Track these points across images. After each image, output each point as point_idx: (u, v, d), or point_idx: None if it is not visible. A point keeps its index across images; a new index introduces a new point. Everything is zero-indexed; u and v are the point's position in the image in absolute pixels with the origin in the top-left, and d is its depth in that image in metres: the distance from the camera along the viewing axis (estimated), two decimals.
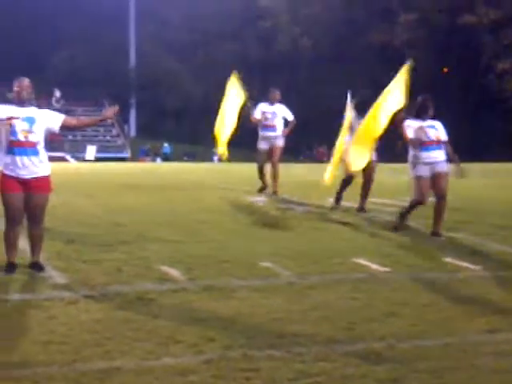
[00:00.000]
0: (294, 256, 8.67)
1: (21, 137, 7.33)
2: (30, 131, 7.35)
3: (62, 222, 10.85)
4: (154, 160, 45.36)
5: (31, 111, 7.48)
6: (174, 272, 7.73)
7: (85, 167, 29.34)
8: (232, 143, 15.14)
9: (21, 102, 7.46)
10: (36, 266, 7.55)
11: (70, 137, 44.73)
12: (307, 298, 6.90)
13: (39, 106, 7.75)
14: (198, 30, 52.20)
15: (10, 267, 7.39)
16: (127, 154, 46.18)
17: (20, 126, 7.33)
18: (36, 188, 7.40)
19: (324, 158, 33.70)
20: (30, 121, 7.38)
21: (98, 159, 39.64)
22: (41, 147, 7.46)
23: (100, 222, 10.91)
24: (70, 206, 12.29)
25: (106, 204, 13.02)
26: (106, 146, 45.85)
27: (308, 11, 52.61)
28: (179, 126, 52.75)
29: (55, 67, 50.34)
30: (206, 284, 7.25)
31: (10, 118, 7.33)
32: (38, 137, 7.41)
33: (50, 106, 47.21)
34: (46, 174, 7.52)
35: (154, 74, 53.40)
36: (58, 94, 49.33)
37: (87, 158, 40.61)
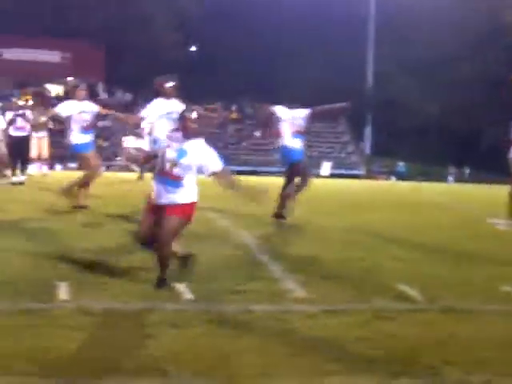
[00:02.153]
0: None
1: (167, 166, 7.32)
2: (176, 163, 7.31)
3: (303, 238, 11.10)
4: (388, 178, 45.15)
5: (189, 146, 7.35)
6: (411, 291, 7.63)
7: (320, 183, 29.60)
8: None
9: (186, 135, 7.39)
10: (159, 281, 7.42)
11: (308, 153, 45.53)
12: None
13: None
14: (436, 48, 51.34)
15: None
16: (361, 172, 46.29)
17: (169, 155, 7.33)
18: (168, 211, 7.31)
19: None
20: (181, 154, 7.31)
21: (332, 175, 40.04)
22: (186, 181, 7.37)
23: (338, 238, 11.02)
24: (311, 222, 12.50)
25: (344, 221, 13.11)
26: (341, 162, 46.17)
27: None
28: (414, 146, 52.10)
29: (292, 87, 51.36)
30: (445, 305, 7.07)
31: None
32: (183, 172, 7.34)
33: None
34: (183, 201, 7.39)
35: (390, 93, 53.18)
36: None
37: (322, 174, 41.04)
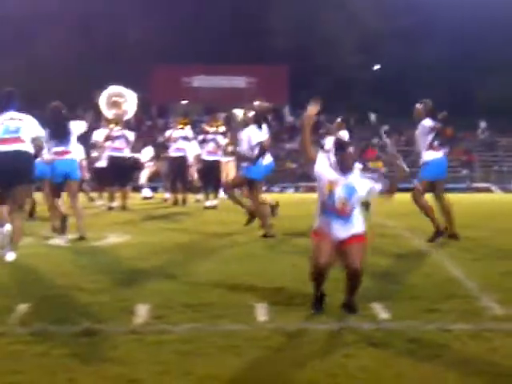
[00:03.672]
0: None
1: (338, 205, 7.11)
2: (347, 201, 7.11)
3: (493, 254, 10.87)
4: None
5: (353, 179, 7.20)
6: None
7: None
8: None
9: (345, 170, 7.20)
10: (347, 307, 7.24)
11: (496, 167, 44.21)
12: None
13: None
14: None
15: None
16: None
17: (339, 194, 7.11)
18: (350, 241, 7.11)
19: None
20: (350, 191, 7.13)
21: None
22: (356, 211, 7.20)
23: None
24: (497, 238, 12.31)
25: None
26: None
27: None
28: None
29: (485, 97, 50.08)
30: None
31: (331, 182, 7.15)
32: (353, 205, 7.15)
33: (475, 138, 47.31)
34: (359, 231, 7.20)
35: None
36: (483, 125, 49.18)
37: None
